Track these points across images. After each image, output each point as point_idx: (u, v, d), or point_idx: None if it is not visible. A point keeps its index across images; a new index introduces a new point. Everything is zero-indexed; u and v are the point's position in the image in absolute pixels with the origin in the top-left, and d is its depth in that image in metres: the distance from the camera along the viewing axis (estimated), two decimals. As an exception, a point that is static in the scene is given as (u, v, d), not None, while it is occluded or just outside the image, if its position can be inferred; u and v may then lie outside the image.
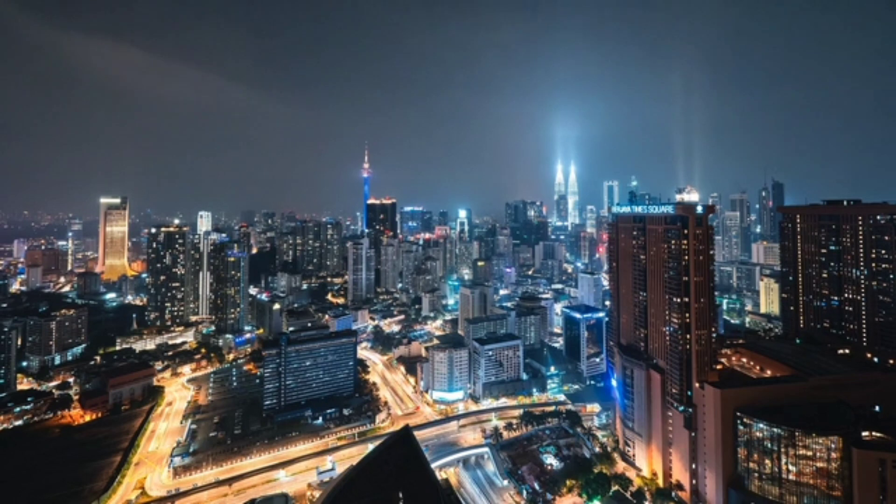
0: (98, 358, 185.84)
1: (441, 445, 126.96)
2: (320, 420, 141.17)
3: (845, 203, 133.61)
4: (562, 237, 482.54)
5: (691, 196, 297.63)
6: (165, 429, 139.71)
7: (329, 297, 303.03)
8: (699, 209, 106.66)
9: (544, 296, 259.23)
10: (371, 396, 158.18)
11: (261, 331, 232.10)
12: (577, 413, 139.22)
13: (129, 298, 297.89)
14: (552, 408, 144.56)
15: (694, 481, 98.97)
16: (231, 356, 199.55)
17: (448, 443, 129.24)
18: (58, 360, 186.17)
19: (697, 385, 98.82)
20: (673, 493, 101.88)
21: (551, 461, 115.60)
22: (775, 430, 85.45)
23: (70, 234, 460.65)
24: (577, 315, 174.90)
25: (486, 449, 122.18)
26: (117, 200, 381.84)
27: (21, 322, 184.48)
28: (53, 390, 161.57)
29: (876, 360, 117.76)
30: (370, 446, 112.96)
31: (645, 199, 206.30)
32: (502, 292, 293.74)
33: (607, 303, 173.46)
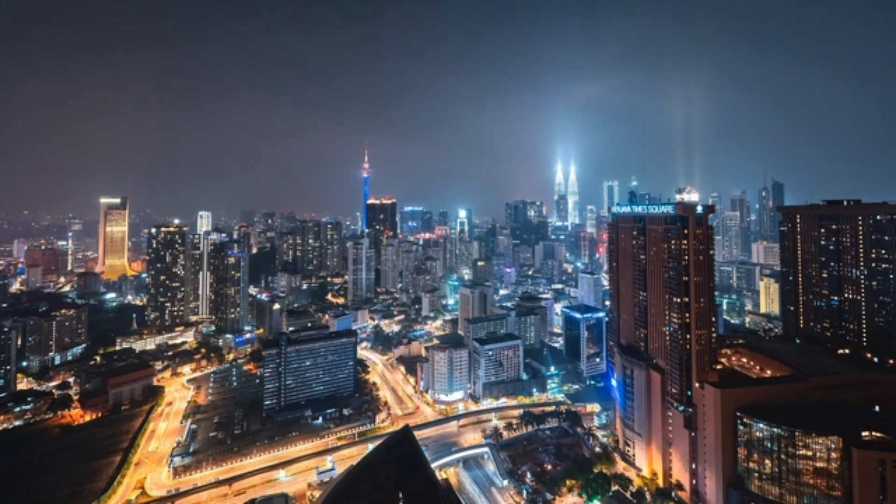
0: (98, 358, 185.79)
1: (441, 445, 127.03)
2: (320, 420, 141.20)
3: (845, 203, 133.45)
4: (562, 237, 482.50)
5: (691, 196, 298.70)
6: (165, 429, 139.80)
7: (329, 297, 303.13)
8: (699, 209, 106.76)
9: (544, 296, 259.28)
10: (371, 396, 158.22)
11: (261, 331, 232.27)
12: (577, 413, 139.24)
13: (129, 298, 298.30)
14: (552, 408, 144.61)
15: (694, 481, 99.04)
16: (231, 356, 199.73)
17: (448, 443, 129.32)
18: (58, 360, 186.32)
19: (697, 385, 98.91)
20: (673, 493, 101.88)
21: (551, 461, 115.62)
22: (775, 430, 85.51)
23: (70, 234, 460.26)
24: (577, 315, 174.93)
25: (486, 449, 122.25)
26: (117, 200, 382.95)
27: (21, 322, 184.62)
28: (53, 390, 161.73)
29: (876, 360, 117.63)
30: (370, 446, 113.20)
31: (645, 199, 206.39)
32: (502, 292, 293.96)
33: (607, 303, 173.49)
